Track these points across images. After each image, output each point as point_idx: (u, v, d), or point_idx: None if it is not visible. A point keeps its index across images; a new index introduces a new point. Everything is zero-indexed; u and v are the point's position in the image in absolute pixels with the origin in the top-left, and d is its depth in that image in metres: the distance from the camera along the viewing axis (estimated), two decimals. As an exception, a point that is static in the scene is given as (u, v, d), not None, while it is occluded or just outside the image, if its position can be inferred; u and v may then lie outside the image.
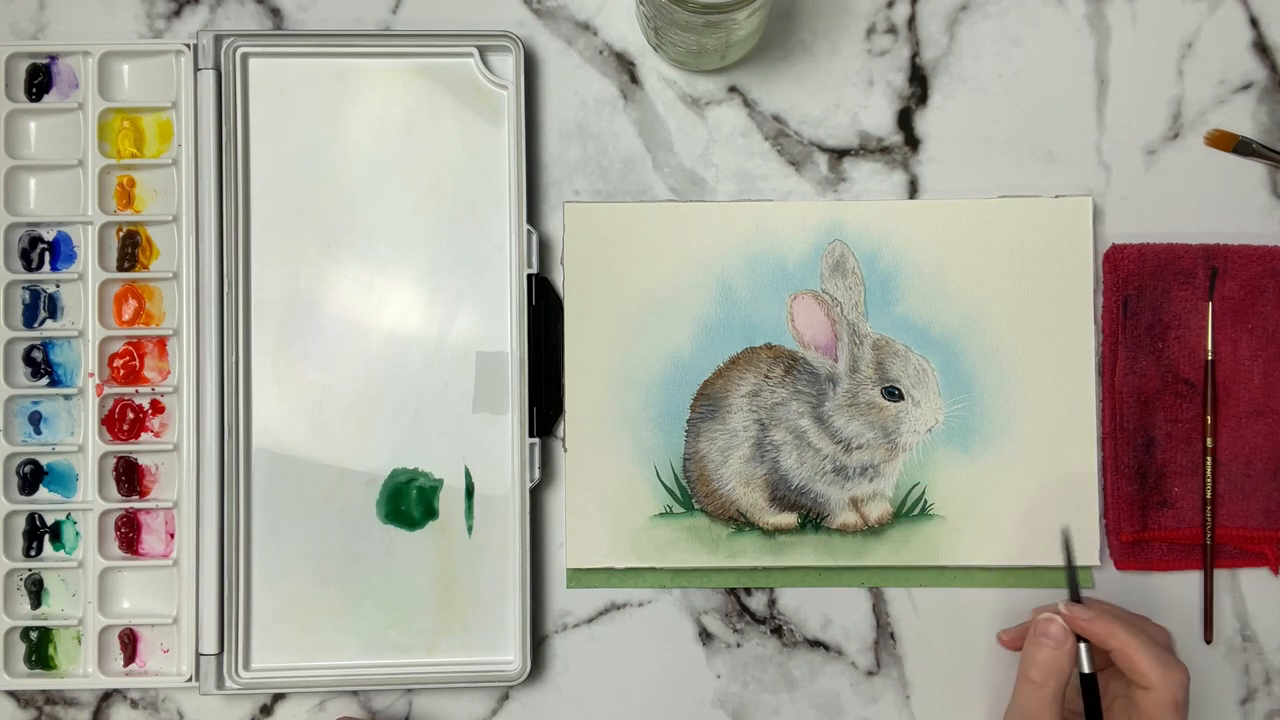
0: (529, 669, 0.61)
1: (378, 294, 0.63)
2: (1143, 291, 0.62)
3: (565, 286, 0.62)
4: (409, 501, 0.62)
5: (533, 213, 0.63)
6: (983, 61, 0.64)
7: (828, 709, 0.63)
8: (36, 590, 0.62)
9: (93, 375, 0.62)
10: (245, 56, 0.62)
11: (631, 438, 0.62)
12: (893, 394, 0.62)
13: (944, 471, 0.62)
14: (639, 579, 0.63)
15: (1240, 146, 0.63)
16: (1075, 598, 0.55)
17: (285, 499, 0.62)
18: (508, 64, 0.62)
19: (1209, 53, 0.64)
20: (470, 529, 0.62)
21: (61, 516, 0.62)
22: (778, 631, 0.63)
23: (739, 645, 0.63)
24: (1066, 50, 0.64)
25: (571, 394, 0.62)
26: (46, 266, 0.63)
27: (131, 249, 0.63)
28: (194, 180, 0.62)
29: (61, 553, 0.62)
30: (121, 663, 0.62)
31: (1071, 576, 0.55)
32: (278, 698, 0.63)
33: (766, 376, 0.62)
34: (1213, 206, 0.63)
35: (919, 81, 0.64)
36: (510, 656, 0.62)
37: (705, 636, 0.63)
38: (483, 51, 0.62)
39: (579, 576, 0.63)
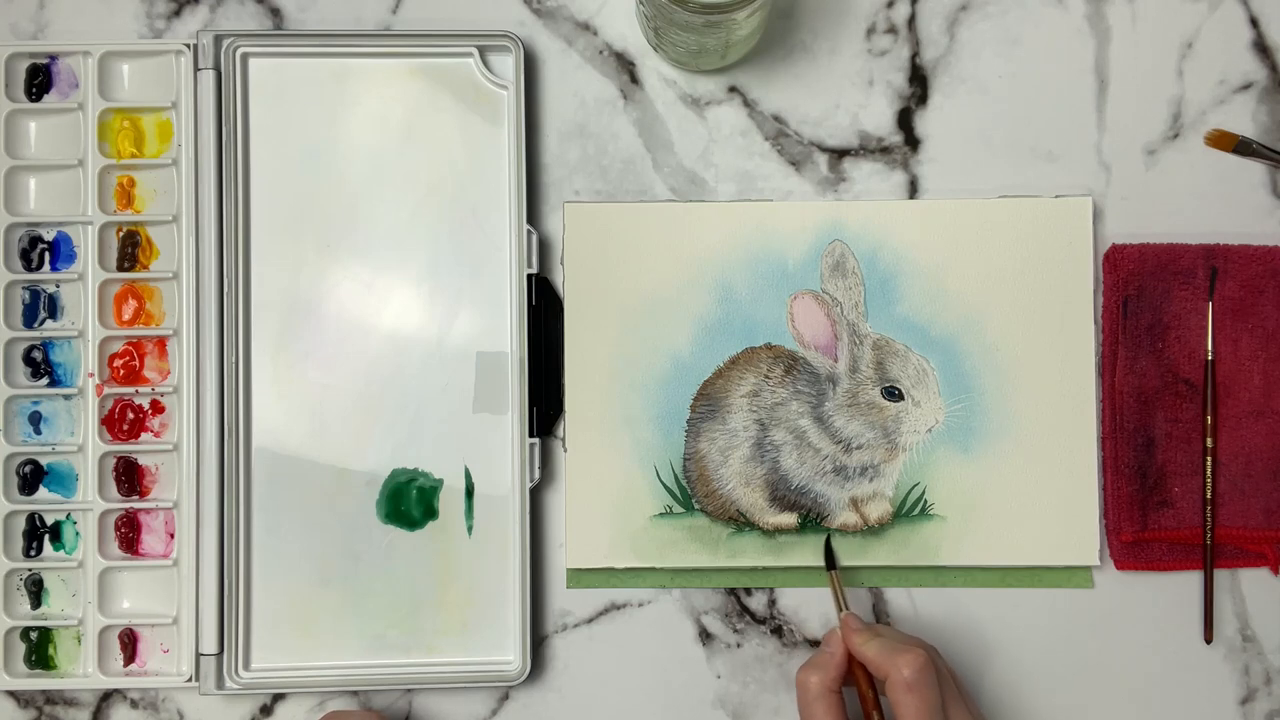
0: (529, 669, 0.61)
1: (378, 294, 0.63)
2: (1143, 291, 0.62)
3: (565, 286, 0.62)
4: (409, 501, 0.62)
5: (533, 213, 0.63)
6: (983, 61, 0.64)
7: (828, 709, 0.63)
8: (36, 590, 0.62)
9: (93, 375, 0.62)
10: (245, 56, 0.62)
11: (631, 438, 0.62)
12: (893, 394, 0.62)
13: (944, 471, 0.62)
14: (639, 579, 0.63)
15: (1240, 146, 0.63)
16: (842, 608, 0.59)
17: (285, 499, 0.62)
18: (508, 64, 0.62)
19: (1209, 53, 0.64)
20: (470, 529, 0.62)
21: (61, 516, 0.62)
22: (778, 631, 0.63)
23: (739, 645, 0.63)
24: (1066, 50, 0.64)
25: (571, 394, 0.62)
26: (46, 266, 0.63)
27: (131, 249, 0.63)
28: (194, 180, 0.62)
29: (61, 553, 0.62)
30: (121, 663, 0.62)
31: (835, 589, 0.60)
32: (278, 698, 0.63)
33: (766, 376, 0.62)
34: (1213, 206, 0.63)
35: (919, 81, 0.64)
36: (510, 656, 0.62)
37: (705, 636, 0.63)
38: (483, 51, 0.62)
39: (579, 576, 0.63)
